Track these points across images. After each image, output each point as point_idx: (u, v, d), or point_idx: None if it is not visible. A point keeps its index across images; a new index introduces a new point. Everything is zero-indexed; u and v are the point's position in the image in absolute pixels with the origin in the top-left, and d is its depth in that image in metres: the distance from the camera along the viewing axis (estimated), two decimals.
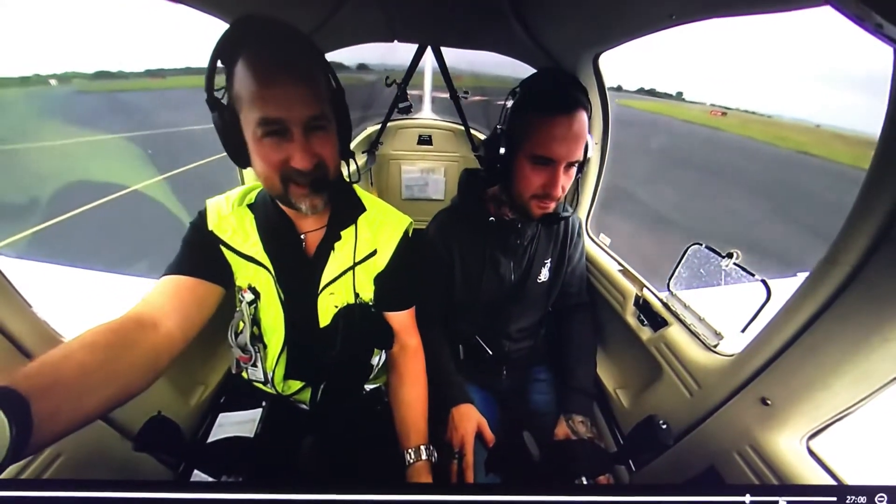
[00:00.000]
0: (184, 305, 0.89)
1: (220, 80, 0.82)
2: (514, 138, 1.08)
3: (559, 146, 1.02)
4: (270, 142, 0.79)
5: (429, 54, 2.32)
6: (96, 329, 0.73)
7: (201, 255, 0.99)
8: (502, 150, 1.09)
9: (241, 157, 0.86)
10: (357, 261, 1.05)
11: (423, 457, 1.02)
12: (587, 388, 1.31)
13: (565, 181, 1.08)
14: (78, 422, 0.63)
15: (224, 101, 0.83)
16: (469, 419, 1.16)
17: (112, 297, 1.66)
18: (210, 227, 1.00)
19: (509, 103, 1.12)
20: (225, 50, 0.79)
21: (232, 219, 1.01)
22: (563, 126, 1.01)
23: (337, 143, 0.89)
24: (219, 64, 0.80)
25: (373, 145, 2.90)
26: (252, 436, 1.06)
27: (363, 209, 1.08)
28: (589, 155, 1.11)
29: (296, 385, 1.16)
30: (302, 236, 1.04)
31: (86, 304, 1.58)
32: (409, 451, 1.04)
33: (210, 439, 1.06)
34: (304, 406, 1.21)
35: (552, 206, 1.12)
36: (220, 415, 1.13)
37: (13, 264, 1.62)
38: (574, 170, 1.09)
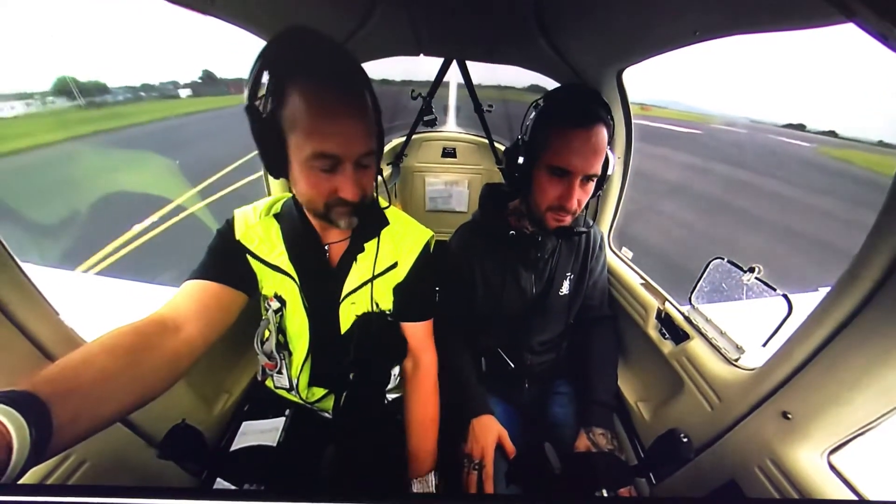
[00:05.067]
0: (207, 310, 0.91)
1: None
2: (533, 149, 1.11)
3: (575, 158, 1.04)
4: (322, 173, 0.81)
5: (454, 68, 2.36)
6: (117, 331, 0.73)
7: (227, 262, 1.01)
8: (521, 160, 1.12)
9: (278, 169, 0.85)
10: (378, 272, 1.07)
11: (431, 489, 1.05)
12: (608, 401, 1.30)
13: (581, 195, 1.09)
14: (97, 425, 0.63)
15: (263, 111, 0.80)
16: (490, 431, 1.17)
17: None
18: (237, 237, 1.02)
19: (531, 115, 1.14)
20: (273, 62, 0.77)
21: (259, 228, 1.04)
22: (580, 139, 1.03)
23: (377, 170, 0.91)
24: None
25: (397, 158, 2.96)
26: (275, 444, 1.08)
27: (386, 222, 1.10)
28: (610, 172, 1.13)
29: (319, 392, 1.18)
30: (326, 247, 1.06)
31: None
32: (416, 481, 1.07)
33: (233, 447, 1.09)
34: (328, 415, 1.24)
35: (568, 219, 1.13)
36: (244, 423, 1.16)
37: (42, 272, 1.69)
38: (592, 185, 1.11)
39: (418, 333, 1.19)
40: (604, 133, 1.05)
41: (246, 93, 0.79)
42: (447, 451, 1.20)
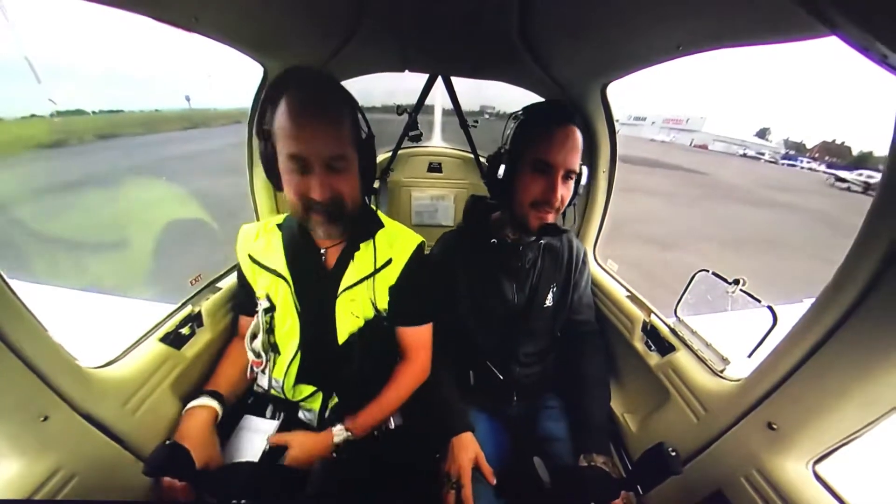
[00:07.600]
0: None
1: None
2: (516, 152, 1.19)
3: (557, 152, 1.12)
4: (296, 174, 0.94)
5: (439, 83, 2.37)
6: (235, 349, 1.26)
7: (247, 290, 1.22)
8: (504, 166, 1.20)
9: (277, 181, 1.00)
10: (378, 267, 1.13)
11: (337, 439, 1.11)
12: (605, 427, 1.29)
13: (564, 191, 1.16)
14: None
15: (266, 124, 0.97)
16: (468, 450, 1.15)
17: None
18: (240, 253, 1.20)
19: (512, 125, 1.23)
20: (272, 91, 0.95)
21: (262, 238, 1.18)
22: (561, 135, 1.13)
23: (358, 181, 1.03)
24: None
25: (384, 172, 2.95)
26: (256, 460, 1.09)
27: (381, 226, 1.19)
28: (583, 181, 1.21)
29: (307, 390, 1.20)
30: (322, 251, 1.14)
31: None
32: (344, 424, 1.13)
33: (232, 438, 1.15)
34: (313, 422, 1.23)
35: (550, 216, 1.19)
36: (245, 417, 1.21)
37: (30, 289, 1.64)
38: (571, 184, 1.18)
39: (418, 337, 1.25)
40: (579, 134, 1.15)
41: (250, 116, 1.04)
42: (428, 467, 1.21)
